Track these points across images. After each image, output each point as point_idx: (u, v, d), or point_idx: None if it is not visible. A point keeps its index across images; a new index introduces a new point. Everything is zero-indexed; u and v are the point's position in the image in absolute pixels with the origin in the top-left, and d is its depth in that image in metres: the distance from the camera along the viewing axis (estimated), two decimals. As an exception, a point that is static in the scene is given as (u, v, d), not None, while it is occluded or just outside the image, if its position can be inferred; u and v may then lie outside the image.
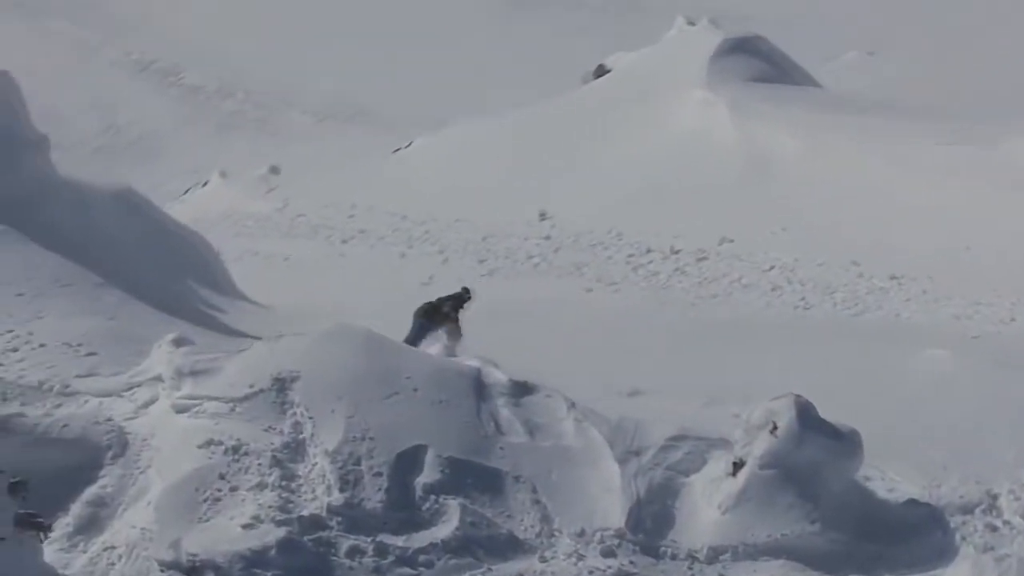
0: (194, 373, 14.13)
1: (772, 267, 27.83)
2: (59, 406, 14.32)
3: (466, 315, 18.72)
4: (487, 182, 34.84)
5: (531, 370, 16.54)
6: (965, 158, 28.26)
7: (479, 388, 14.73)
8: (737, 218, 29.71)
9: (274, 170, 42.22)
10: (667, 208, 30.96)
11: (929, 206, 27.72)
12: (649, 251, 29.57)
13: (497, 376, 14.80)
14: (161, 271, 21.79)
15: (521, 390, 14.81)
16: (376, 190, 36.76)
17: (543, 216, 32.13)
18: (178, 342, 14.91)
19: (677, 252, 29.13)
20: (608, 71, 40.72)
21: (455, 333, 18.19)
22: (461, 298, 18.67)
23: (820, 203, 29.25)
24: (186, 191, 44.42)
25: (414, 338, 17.94)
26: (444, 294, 18.97)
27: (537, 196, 33.39)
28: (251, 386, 13.94)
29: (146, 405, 14.25)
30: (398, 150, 41.55)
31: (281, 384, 14.08)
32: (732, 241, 29.08)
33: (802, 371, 18.48)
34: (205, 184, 43.05)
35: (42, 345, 15.63)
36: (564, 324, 23.66)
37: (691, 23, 40.71)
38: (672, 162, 32.19)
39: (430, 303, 18.61)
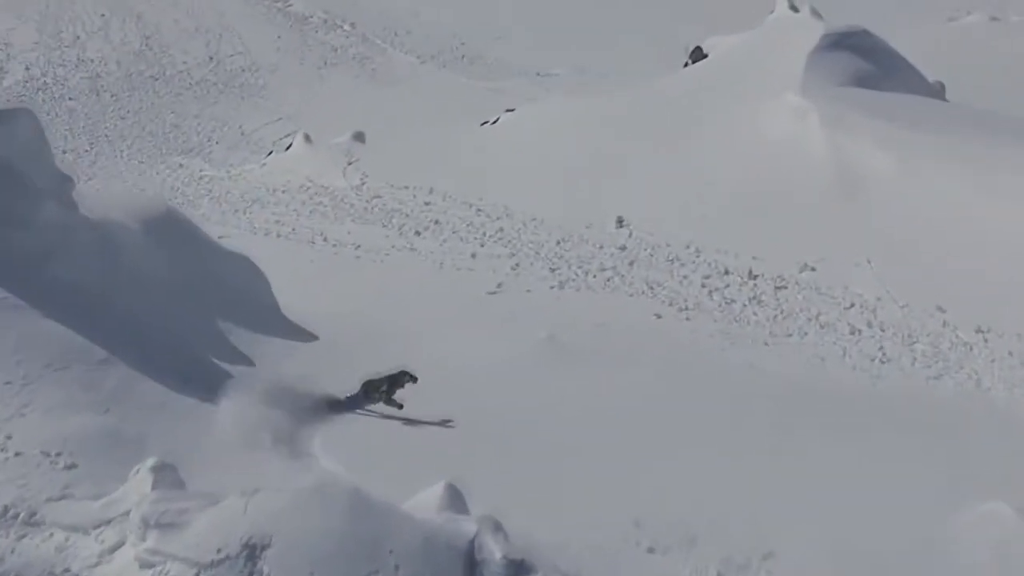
0: (160, 526, 12.44)
1: (852, 304, 25.71)
2: (23, 538, 12.67)
3: (405, 393, 19.08)
4: (568, 175, 32.82)
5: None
6: None
7: (470, 566, 12.89)
8: (820, 243, 27.59)
9: (358, 137, 40.47)
10: (749, 224, 28.89)
11: (1019, 246, 25.18)
12: (727, 273, 27.60)
13: (492, 550, 12.94)
14: (193, 313, 20.05)
15: (517, 570, 12.94)
16: (455, 174, 35.02)
17: (620, 223, 30.26)
18: (157, 469, 13.22)
19: (755, 277, 27.12)
20: (705, 56, 38.34)
21: (391, 406, 19.07)
22: (399, 380, 19.29)
23: (909, 234, 26.98)
24: (269, 153, 42.74)
25: (351, 404, 19.32)
26: (381, 376, 19.33)
27: (617, 195, 31.56)
28: (219, 550, 12.26)
29: (112, 550, 12.63)
30: (485, 123, 39.48)
31: (251, 551, 12.38)
32: (814, 270, 27.01)
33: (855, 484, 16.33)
34: (288, 148, 41.19)
35: (18, 454, 13.97)
36: (624, 375, 21.57)
37: (794, 8, 38.16)
38: (758, 173, 29.99)
39: (370, 380, 19.28)
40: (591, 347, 23.22)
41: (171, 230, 21.29)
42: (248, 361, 19.68)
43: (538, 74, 56.21)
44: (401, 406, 19.01)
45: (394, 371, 19.39)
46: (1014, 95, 40.60)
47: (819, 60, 33.37)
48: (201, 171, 43.21)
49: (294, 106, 54.41)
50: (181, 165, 45.60)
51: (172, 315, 19.50)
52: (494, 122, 38.88)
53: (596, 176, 32.23)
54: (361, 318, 24.43)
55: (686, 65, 39.40)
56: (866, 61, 34.30)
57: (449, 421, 18.54)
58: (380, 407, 19.17)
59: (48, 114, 52.14)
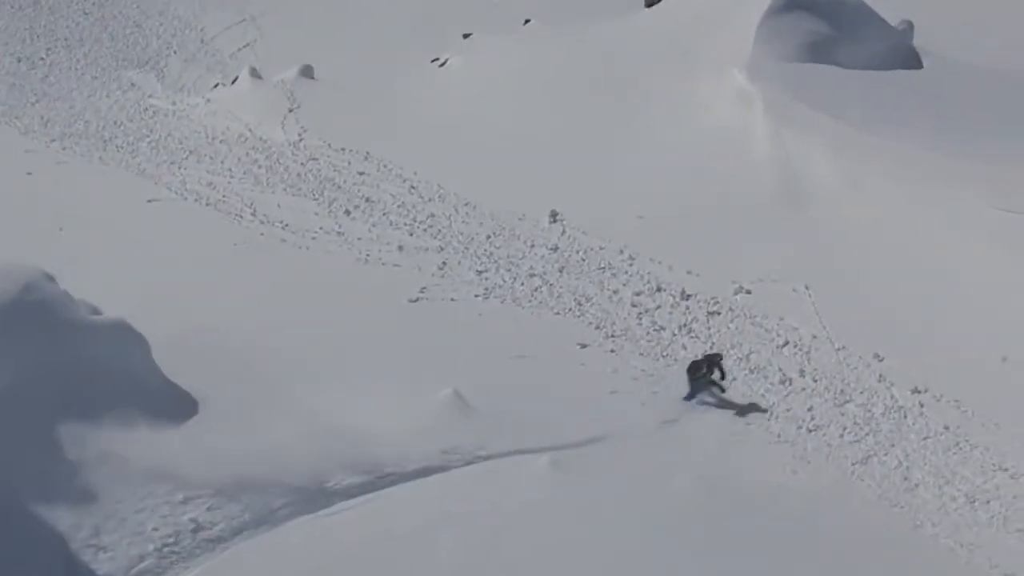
0: None
1: (787, 343, 22.88)
2: None
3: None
4: (506, 152, 29.64)
5: None
6: (1016, 229, 22.54)
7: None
8: (758, 259, 24.76)
9: (306, 72, 37.03)
10: (686, 229, 26.03)
11: (973, 287, 22.15)
12: (659, 290, 24.67)
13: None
14: (55, 408, 17.18)
15: None
16: (393, 136, 31.71)
17: (554, 218, 27.09)
18: None
19: (688, 298, 24.27)
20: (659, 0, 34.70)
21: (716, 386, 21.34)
22: (715, 360, 21.41)
23: (853, 258, 24.32)
24: (215, 85, 39.26)
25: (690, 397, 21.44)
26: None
27: (554, 182, 28.31)
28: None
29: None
30: (436, 60, 35.95)
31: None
32: (749, 292, 24.19)
33: None
34: (235, 81, 37.77)
35: None
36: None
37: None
38: (700, 169, 26.97)
39: (694, 363, 21.48)
40: (497, 408, 20.29)
41: (27, 315, 18.21)
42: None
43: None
44: (724, 389, 21.36)
45: (709, 352, 21.81)
46: (984, 27, 37.09)
47: (771, 25, 30.02)
48: (149, 96, 39.72)
49: (259, 4, 50.38)
50: (133, 84, 42.25)
51: (23, 420, 16.67)
52: (443, 64, 35.25)
53: (534, 156, 28.94)
54: (261, 356, 21.55)
55: (647, 2, 35.59)
56: (822, 21, 30.93)
57: None
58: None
59: (12, 7, 48.39)
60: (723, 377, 21.56)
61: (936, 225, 23.52)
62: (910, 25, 35.37)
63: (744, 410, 21.47)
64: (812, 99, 26.76)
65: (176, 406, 19.64)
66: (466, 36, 40.59)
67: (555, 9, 45.12)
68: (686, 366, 21.75)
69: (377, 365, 22.31)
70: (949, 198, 23.64)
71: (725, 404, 21.57)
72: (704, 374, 21.43)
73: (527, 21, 40.86)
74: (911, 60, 31.95)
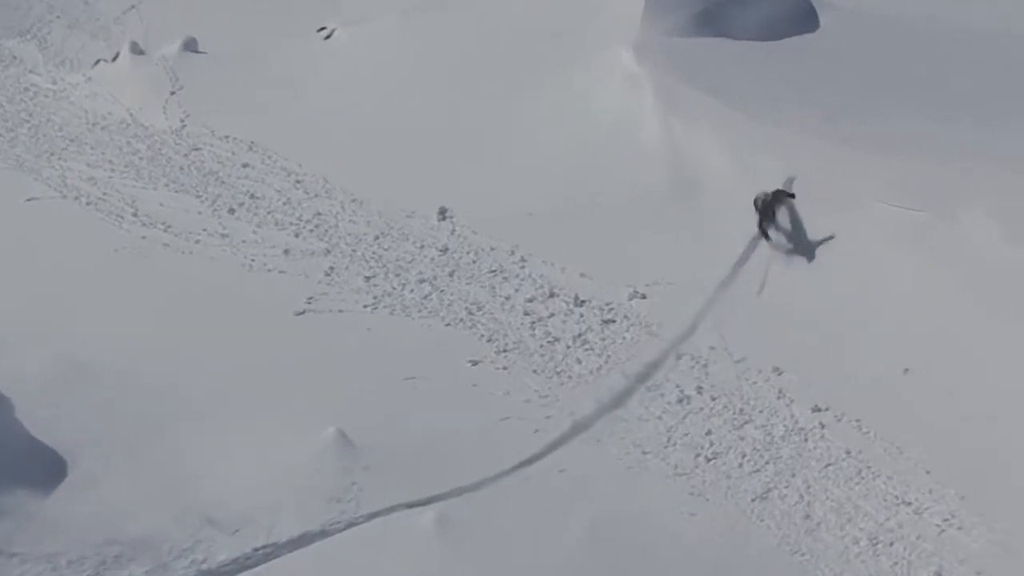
0: None
1: (684, 354, 21.33)
2: None
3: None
4: (393, 139, 27.97)
5: None
6: (914, 229, 21.18)
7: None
8: (653, 259, 23.27)
9: (189, 45, 34.88)
10: (579, 226, 24.59)
11: (874, 291, 20.95)
12: (552, 295, 23.15)
13: None
14: None
15: None
16: (279, 120, 29.85)
17: (443, 215, 25.51)
18: None
19: (582, 304, 22.89)
20: None
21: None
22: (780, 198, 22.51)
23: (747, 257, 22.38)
24: (97, 62, 36.99)
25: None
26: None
27: (442, 173, 26.81)
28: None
29: None
30: (322, 29, 33.94)
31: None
32: (644, 297, 22.81)
33: None
34: (115, 58, 35.58)
35: None
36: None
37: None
38: (591, 157, 25.42)
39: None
40: (384, 449, 19.19)
41: None
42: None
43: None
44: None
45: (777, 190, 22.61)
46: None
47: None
48: (30, 71, 37.40)
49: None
50: (14, 57, 39.70)
51: None
52: (328, 35, 33.29)
53: (423, 144, 27.27)
54: (135, 395, 20.42)
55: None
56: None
57: None
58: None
59: None
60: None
61: (832, 224, 21.97)
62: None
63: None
64: (702, 81, 25.31)
65: (39, 470, 18.23)
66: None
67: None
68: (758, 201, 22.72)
69: (260, 398, 21.23)
70: (842, 193, 22.09)
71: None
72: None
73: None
74: (807, 19, 30.27)
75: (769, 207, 22.81)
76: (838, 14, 30.09)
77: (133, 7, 43.44)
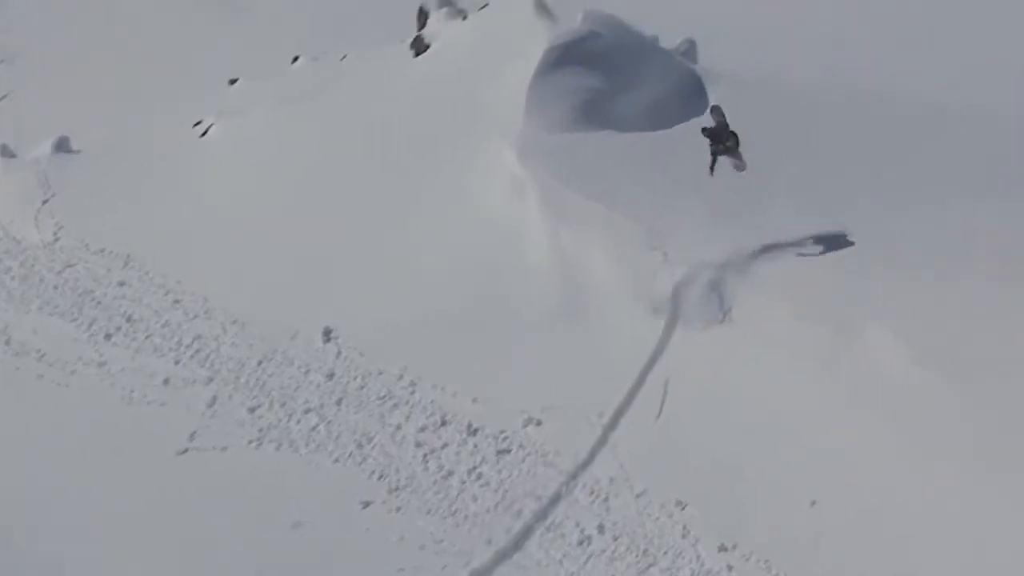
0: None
1: (583, 485, 19.96)
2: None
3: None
4: (272, 251, 26.40)
5: None
6: (817, 347, 19.92)
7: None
8: (546, 381, 21.92)
9: (62, 145, 33.01)
10: (469, 345, 23.26)
11: (780, 415, 19.69)
12: (444, 424, 21.67)
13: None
14: None
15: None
16: (155, 231, 28.14)
17: (328, 336, 23.91)
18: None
19: (475, 433, 21.46)
20: (427, 46, 31.36)
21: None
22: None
23: (648, 382, 21.06)
24: (-29, 169, 35.11)
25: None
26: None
27: (324, 289, 25.23)
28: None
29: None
30: (198, 124, 32.27)
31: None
32: (539, 424, 21.35)
33: None
34: (-13, 161, 33.74)
35: None
36: None
37: (520, -16, 31.27)
38: (479, 268, 24.05)
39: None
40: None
41: None
42: None
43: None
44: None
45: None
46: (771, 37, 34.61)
47: (543, 88, 27.00)
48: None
49: (16, 40, 45.78)
50: None
51: None
52: (204, 133, 31.59)
53: (303, 255, 25.60)
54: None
55: (414, 47, 32.15)
56: (598, 73, 27.88)
57: None
58: None
59: None
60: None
61: (729, 339, 20.67)
62: (692, 45, 32.58)
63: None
64: (589, 184, 23.97)
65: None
66: (232, 82, 36.92)
67: (323, 34, 41.71)
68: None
69: (136, 553, 19.42)
70: (738, 308, 20.78)
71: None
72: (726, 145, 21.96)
73: (295, 59, 37.30)
74: (696, 98, 29.05)
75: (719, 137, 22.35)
76: (729, 88, 28.93)
77: (5, 96, 41.55)
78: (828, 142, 26.17)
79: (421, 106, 28.58)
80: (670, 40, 33.00)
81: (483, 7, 32.43)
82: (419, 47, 32.06)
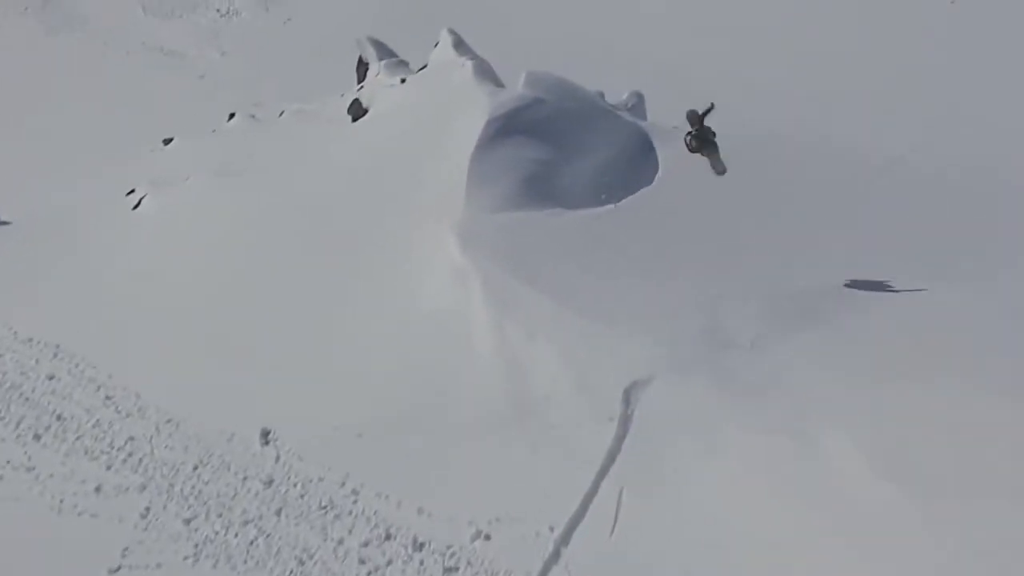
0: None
1: None
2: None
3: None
4: (207, 345, 25.15)
5: None
6: (774, 458, 18.85)
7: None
8: (495, 491, 20.77)
9: (-5, 221, 31.69)
10: (414, 450, 21.74)
11: (727, 528, 18.65)
12: (389, 538, 20.45)
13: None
14: None
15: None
16: (84, 321, 26.62)
17: (266, 439, 22.68)
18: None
19: (421, 548, 20.27)
20: (365, 111, 30.14)
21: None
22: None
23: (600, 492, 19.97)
24: None
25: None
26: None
27: (263, 385, 23.76)
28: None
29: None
30: (131, 193, 30.94)
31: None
32: (488, 538, 20.22)
33: None
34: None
35: None
36: None
37: (457, 41, 30.08)
38: (421, 366, 22.89)
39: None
40: None
41: None
42: None
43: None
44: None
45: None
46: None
47: (485, 164, 25.83)
48: None
49: None
50: None
51: None
52: (136, 205, 30.24)
53: (239, 347, 24.35)
54: None
55: (352, 112, 30.89)
56: (541, 143, 26.77)
57: None
58: None
59: None
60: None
61: (691, 451, 19.58)
62: (639, 99, 31.49)
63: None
64: (535, 273, 22.75)
65: None
66: (167, 142, 35.57)
67: (260, 84, 40.41)
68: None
69: None
70: (692, 415, 19.72)
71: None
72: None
73: (231, 116, 35.98)
74: (645, 161, 27.96)
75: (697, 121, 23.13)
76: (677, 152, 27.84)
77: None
78: (783, 209, 25.05)
79: (359, 181, 27.31)
80: (618, 93, 31.80)
81: (422, 68, 31.07)
82: (356, 112, 30.75)
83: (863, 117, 37.75)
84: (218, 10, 49.65)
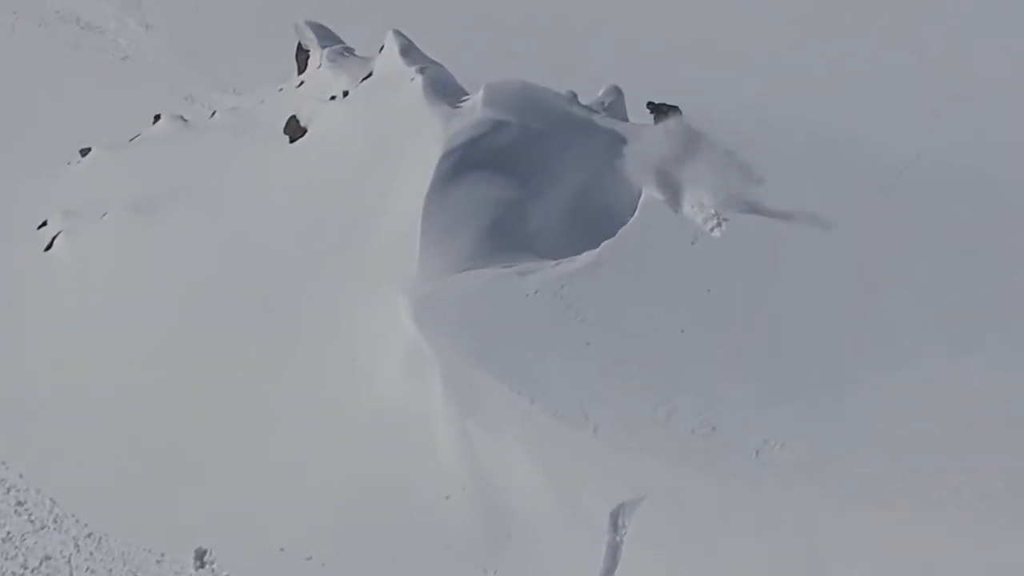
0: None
1: None
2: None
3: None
4: (131, 441, 22.75)
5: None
6: None
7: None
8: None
9: None
10: (363, 566, 19.43)
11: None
12: None
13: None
14: None
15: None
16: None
17: (201, 560, 20.59)
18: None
19: None
20: (303, 131, 27.63)
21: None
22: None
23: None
24: None
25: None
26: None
27: (195, 486, 21.83)
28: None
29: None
30: (43, 226, 28.49)
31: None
32: None
33: None
34: None
35: None
36: None
37: (405, 46, 27.53)
38: (373, 472, 20.63)
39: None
40: None
41: None
42: None
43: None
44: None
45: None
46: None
47: (440, 211, 23.41)
48: None
49: None
50: None
51: None
52: (49, 246, 27.74)
53: (164, 445, 22.15)
54: None
55: (288, 131, 28.33)
56: (505, 177, 24.37)
57: None
58: None
59: None
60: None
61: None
62: (618, 95, 29.00)
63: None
64: (502, 357, 20.45)
65: None
66: (84, 152, 32.95)
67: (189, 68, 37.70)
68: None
69: None
70: (680, 530, 17.69)
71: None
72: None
73: (157, 118, 33.37)
74: (622, 180, 25.55)
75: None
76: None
77: None
78: (780, 259, 22.77)
79: (296, 224, 24.91)
80: (592, 91, 29.22)
81: (367, 77, 28.42)
82: (294, 132, 28.16)
83: (869, 107, 35.22)
84: (141, -32, 46.46)
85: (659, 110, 25.96)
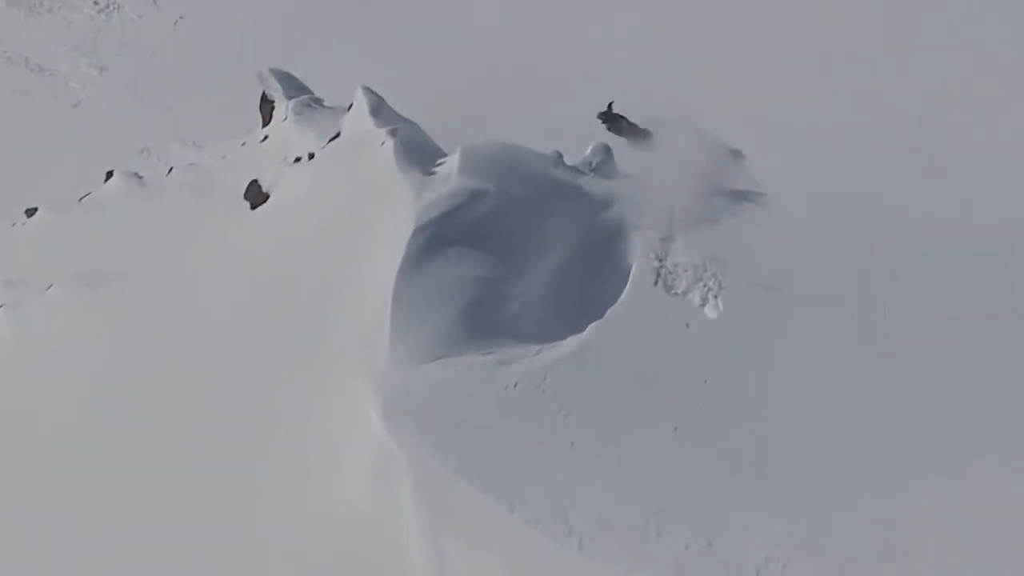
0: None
1: None
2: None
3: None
4: (82, 536, 21.28)
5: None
6: None
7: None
8: None
9: None
10: None
11: None
12: None
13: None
14: None
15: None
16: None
17: None
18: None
19: None
20: (266, 197, 26.22)
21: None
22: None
23: None
24: None
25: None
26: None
27: None
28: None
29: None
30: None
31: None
32: None
33: None
34: None
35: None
36: None
37: (376, 105, 26.14)
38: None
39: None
40: None
41: None
42: None
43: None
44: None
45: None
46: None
47: (412, 294, 21.92)
48: None
49: None
50: None
51: None
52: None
53: (112, 547, 20.52)
54: None
55: (249, 196, 26.91)
56: (483, 253, 23.10)
57: None
58: None
59: None
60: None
61: None
62: (606, 153, 27.75)
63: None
64: (478, 461, 18.92)
65: None
66: (30, 213, 31.51)
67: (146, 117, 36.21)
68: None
69: None
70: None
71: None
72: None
73: (109, 175, 31.89)
74: (610, 252, 24.18)
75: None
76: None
77: None
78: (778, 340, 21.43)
79: (256, 305, 23.40)
80: (580, 144, 27.89)
81: (334, 137, 26.98)
82: (255, 198, 26.72)
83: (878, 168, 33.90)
84: (96, 2, 44.82)
85: (612, 119, 27.26)
